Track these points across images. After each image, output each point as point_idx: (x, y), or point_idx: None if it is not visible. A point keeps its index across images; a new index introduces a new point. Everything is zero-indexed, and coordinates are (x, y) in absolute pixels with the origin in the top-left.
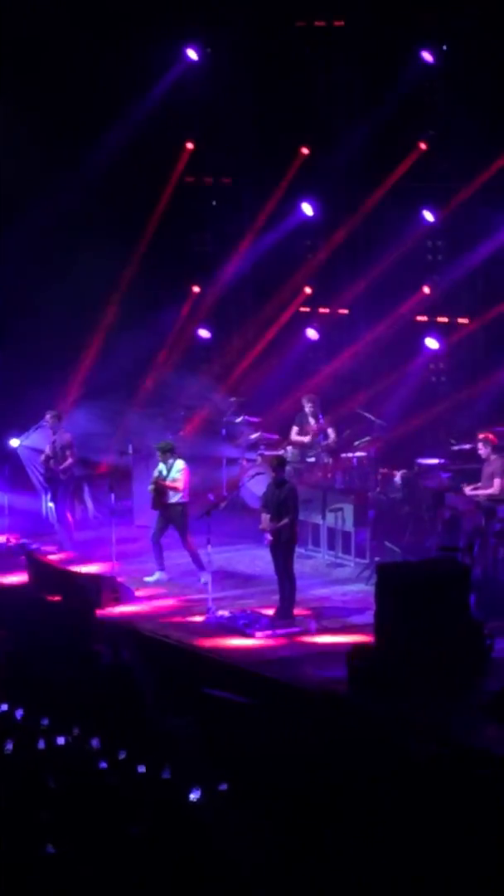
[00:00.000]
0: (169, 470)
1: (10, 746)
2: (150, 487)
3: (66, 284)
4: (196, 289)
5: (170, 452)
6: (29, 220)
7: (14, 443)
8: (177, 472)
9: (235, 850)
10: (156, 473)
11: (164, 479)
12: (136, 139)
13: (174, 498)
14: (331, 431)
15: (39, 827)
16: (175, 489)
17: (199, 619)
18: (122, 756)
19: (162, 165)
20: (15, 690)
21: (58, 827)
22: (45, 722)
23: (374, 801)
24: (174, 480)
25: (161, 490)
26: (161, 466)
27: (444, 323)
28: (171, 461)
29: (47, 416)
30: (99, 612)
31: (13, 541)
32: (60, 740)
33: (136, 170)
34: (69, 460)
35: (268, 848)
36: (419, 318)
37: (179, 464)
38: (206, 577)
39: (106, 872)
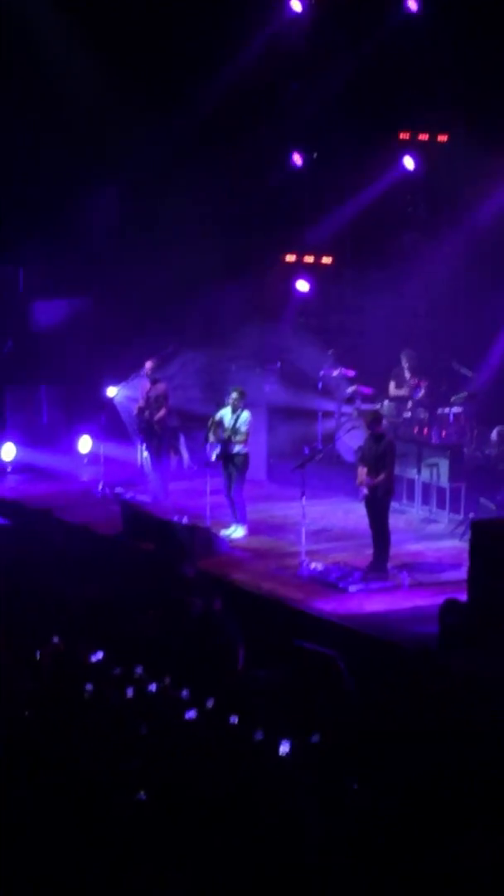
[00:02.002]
0: (236, 420)
1: (101, 694)
2: (211, 437)
3: (161, 235)
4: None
5: (241, 400)
6: (123, 171)
7: (111, 392)
8: (243, 423)
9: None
10: (217, 417)
11: (230, 429)
12: (232, 92)
13: (237, 448)
14: (424, 386)
15: (131, 774)
16: (241, 442)
17: (291, 571)
18: (211, 707)
19: (259, 118)
20: (106, 639)
21: (148, 775)
22: (139, 671)
23: (461, 760)
24: (241, 433)
25: (226, 441)
26: (225, 412)
27: None
28: (239, 410)
29: (146, 366)
30: (191, 562)
31: (108, 489)
32: (152, 688)
33: (232, 122)
34: (163, 411)
35: (352, 802)
36: None
37: (246, 415)
38: (237, 532)
39: (190, 822)
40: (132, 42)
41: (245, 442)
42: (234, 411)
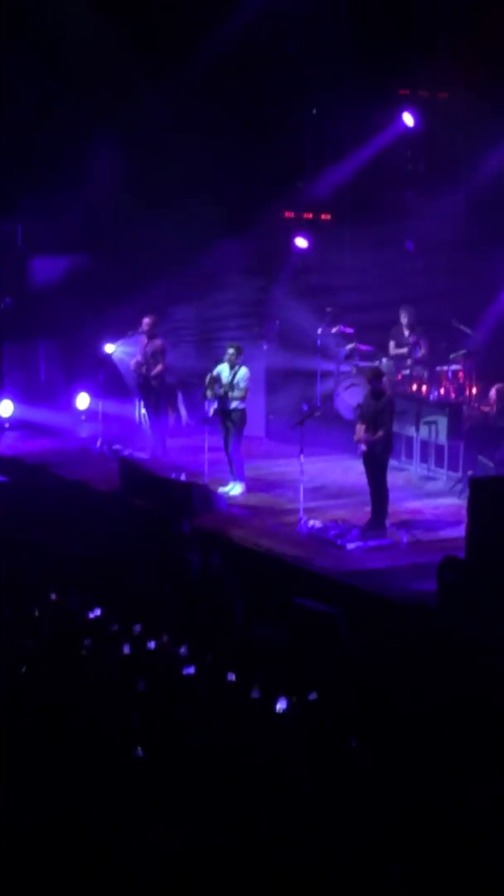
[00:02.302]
0: (234, 376)
1: (99, 650)
2: (208, 394)
3: (160, 191)
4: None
5: (238, 356)
6: (123, 126)
7: (109, 348)
8: (242, 378)
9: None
10: (214, 373)
11: (228, 384)
12: (234, 46)
13: (234, 403)
14: (424, 344)
15: (129, 730)
16: (240, 399)
17: (289, 528)
18: (210, 663)
19: (260, 75)
20: (104, 596)
21: (147, 731)
22: (137, 628)
23: (457, 717)
24: (240, 389)
25: (223, 397)
26: (223, 368)
27: None
28: (237, 366)
29: (144, 322)
30: (189, 519)
31: (106, 446)
32: (151, 645)
33: (234, 76)
34: (160, 367)
35: (353, 759)
36: None
37: (244, 370)
38: (235, 489)
39: (190, 778)
40: None
41: (243, 398)
42: (231, 367)
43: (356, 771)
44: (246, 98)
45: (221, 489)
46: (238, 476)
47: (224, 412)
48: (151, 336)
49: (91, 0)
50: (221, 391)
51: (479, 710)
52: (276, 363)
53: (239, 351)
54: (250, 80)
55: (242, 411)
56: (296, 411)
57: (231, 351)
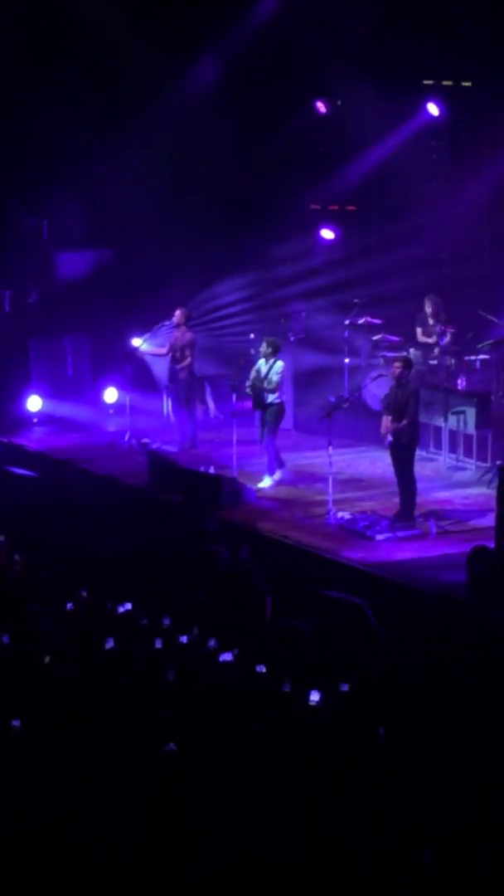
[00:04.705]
0: (269, 370)
1: (129, 645)
2: (248, 389)
3: (185, 186)
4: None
5: (275, 350)
6: (147, 121)
7: (136, 342)
8: (275, 373)
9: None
10: (253, 373)
11: (262, 378)
12: (256, 39)
13: (271, 398)
14: (450, 333)
15: (162, 723)
16: (273, 392)
17: (318, 520)
18: (239, 656)
19: (284, 65)
20: (134, 591)
21: (179, 724)
22: (167, 622)
23: (486, 708)
24: (272, 382)
25: (259, 390)
26: (261, 363)
27: None
28: (272, 360)
29: (176, 314)
30: (218, 512)
31: (134, 440)
32: (183, 639)
33: (257, 69)
34: (188, 359)
35: (380, 749)
36: None
37: (279, 365)
38: (265, 482)
39: (223, 772)
40: None
41: (274, 391)
42: (267, 361)
43: (385, 760)
44: (269, 92)
45: (259, 485)
46: (269, 469)
47: (261, 406)
48: (182, 329)
49: (118, 3)
50: (258, 384)
51: None
52: (302, 355)
53: (271, 344)
54: (274, 72)
55: (278, 405)
56: (324, 403)
57: (264, 346)
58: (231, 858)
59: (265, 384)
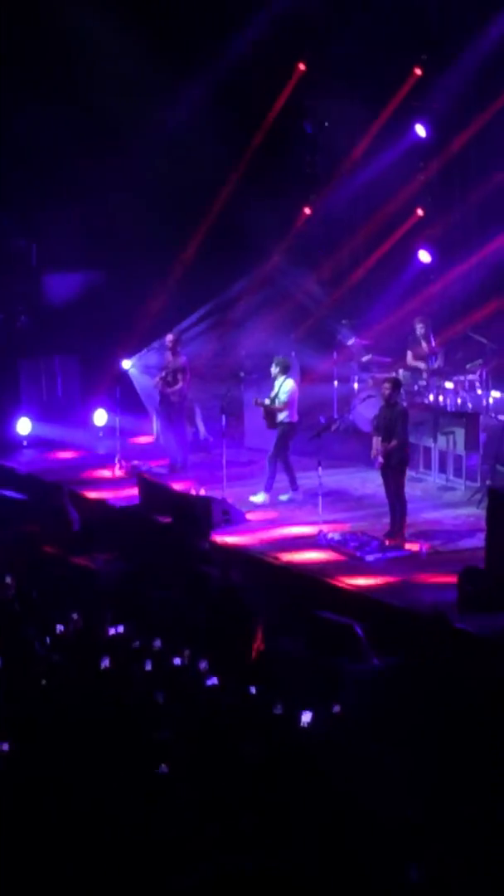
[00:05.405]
0: (279, 389)
1: (120, 666)
2: (256, 401)
3: (175, 208)
4: (307, 211)
5: (283, 369)
6: (137, 144)
7: (126, 364)
8: (284, 392)
9: (346, 771)
10: (272, 395)
11: (273, 397)
12: (245, 60)
13: (280, 416)
14: (440, 354)
15: (154, 746)
16: (281, 410)
17: (309, 541)
18: (231, 678)
19: (272, 86)
20: (126, 612)
21: (171, 747)
22: (158, 644)
23: (481, 726)
24: (281, 401)
25: (270, 410)
26: (276, 383)
27: None
28: (282, 379)
29: (168, 338)
30: (208, 534)
31: (124, 462)
32: (176, 661)
33: (246, 90)
34: (180, 384)
35: (378, 769)
36: None
37: (288, 384)
38: (258, 497)
39: (215, 793)
40: (149, 10)
41: (283, 410)
42: (276, 380)
43: (378, 776)
44: (258, 111)
45: (252, 498)
46: (266, 487)
47: (273, 424)
48: (174, 353)
49: (105, 20)
50: (268, 403)
51: (500, 719)
52: (293, 375)
53: (279, 364)
54: (262, 93)
55: (286, 425)
56: (313, 423)
57: (273, 365)
58: (219, 876)
59: (276, 403)
